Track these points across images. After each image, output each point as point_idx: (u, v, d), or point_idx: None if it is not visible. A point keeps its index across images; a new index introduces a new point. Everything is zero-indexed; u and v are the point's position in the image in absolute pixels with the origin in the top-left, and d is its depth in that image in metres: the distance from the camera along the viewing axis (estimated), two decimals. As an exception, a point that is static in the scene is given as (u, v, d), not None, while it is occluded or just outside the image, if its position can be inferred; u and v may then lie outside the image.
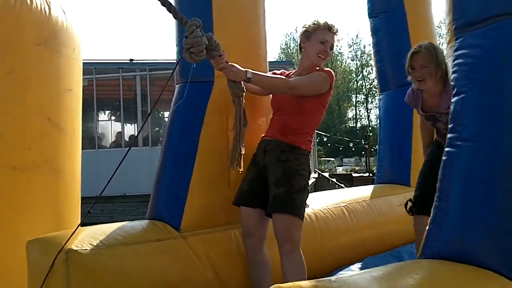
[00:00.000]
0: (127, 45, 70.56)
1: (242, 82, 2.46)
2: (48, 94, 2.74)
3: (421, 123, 3.29)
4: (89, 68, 11.99)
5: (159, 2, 2.22)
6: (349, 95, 47.78)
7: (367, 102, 46.80)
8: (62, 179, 2.84)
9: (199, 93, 2.67)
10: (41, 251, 2.14)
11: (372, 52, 4.81)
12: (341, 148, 35.93)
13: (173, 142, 2.70)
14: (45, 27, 2.66)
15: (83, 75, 3.15)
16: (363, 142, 26.94)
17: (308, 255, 2.52)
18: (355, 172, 25.58)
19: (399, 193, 3.93)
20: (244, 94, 2.48)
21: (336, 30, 2.66)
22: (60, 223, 2.74)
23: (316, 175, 17.57)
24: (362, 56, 46.73)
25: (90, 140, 12.90)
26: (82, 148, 3.16)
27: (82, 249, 2.09)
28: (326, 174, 19.78)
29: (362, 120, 48.46)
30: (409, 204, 3.03)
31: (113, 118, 15.38)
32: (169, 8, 2.27)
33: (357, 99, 48.01)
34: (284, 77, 2.66)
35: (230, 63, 2.41)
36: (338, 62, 46.94)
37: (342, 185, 14.09)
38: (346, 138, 36.02)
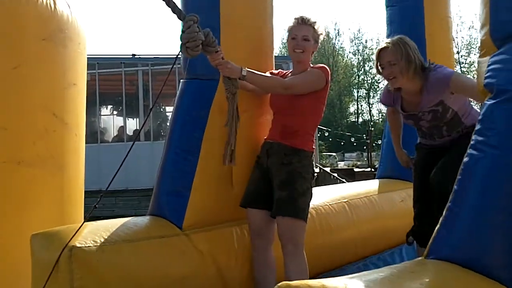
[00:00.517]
0: (130, 40, 70.49)
1: (237, 79, 2.46)
2: (53, 88, 2.75)
3: (389, 114, 3.21)
4: (92, 63, 12.01)
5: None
6: (351, 90, 47.63)
7: (368, 96, 46.69)
8: (67, 173, 2.86)
9: (204, 90, 2.65)
10: (44, 246, 2.15)
11: (373, 46, 4.76)
12: (342, 143, 35.89)
13: (176, 138, 2.67)
14: (50, 21, 2.67)
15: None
16: (365, 137, 26.87)
17: (308, 251, 2.54)
18: (357, 167, 25.54)
19: (401, 189, 3.92)
20: (238, 91, 2.49)
21: (308, 20, 2.61)
22: (64, 217, 2.76)
23: (317, 170, 17.57)
24: (364, 51, 46.59)
25: (93, 134, 12.94)
26: (85, 143, 3.18)
27: (86, 246, 2.10)
28: (328, 169, 19.76)
29: (364, 114, 48.39)
30: (410, 237, 2.99)
31: (115, 112, 15.42)
32: (168, 3, 2.28)
33: (359, 94, 47.90)
34: (279, 78, 2.67)
35: (225, 60, 2.41)
36: (340, 57, 46.85)
37: (344, 180, 14.08)
38: (348, 133, 35.96)
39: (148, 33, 74.54)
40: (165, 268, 2.32)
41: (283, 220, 2.47)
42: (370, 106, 46.99)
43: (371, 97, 46.35)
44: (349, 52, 48.20)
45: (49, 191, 2.73)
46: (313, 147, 2.66)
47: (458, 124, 2.78)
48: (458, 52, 38.65)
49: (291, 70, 2.79)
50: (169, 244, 2.41)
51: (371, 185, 4.06)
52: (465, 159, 1.72)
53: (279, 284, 1.39)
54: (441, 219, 1.74)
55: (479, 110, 2.12)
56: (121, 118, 14.54)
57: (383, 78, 2.76)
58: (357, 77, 47.32)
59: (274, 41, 2.98)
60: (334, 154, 34.69)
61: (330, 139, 35.29)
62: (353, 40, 47.57)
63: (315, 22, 2.63)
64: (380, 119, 41.69)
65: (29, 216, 2.61)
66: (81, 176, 3.09)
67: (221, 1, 2.63)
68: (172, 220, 2.54)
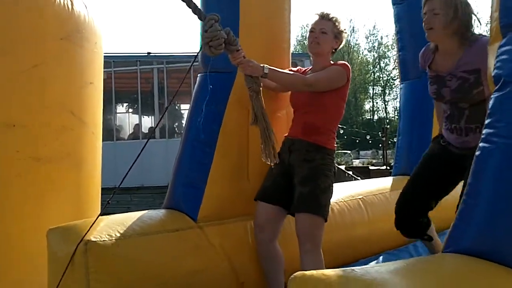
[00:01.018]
0: (145, 38, 70.93)
1: (259, 77, 2.45)
2: (71, 87, 2.79)
3: (436, 107, 2.97)
4: (108, 61, 12.10)
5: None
6: (366, 87, 47.35)
7: (384, 94, 46.37)
8: (84, 171, 2.91)
9: (222, 83, 2.65)
10: (61, 240, 2.18)
11: (389, 43, 4.71)
12: (357, 141, 35.63)
13: (193, 131, 2.67)
14: (68, 22, 2.71)
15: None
16: (380, 134, 26.65)
17: (323, 248, 2.53)
18: (372, 165, 25.31)
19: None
20: (261, 89, 2.49)
21: (328, 15, 2.62)
22: (81, 214, 2.79)
23: (332, 168, 17.42)
24: (379, 48, 46.25)
25: (109, 132, 13.04)
26: (101, 140, 3.23)
27: (101, 240, 2.13)
28: (343, 167, 19.66)
29: (379, 112, 48.10)
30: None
31: (130, 110, 15.53)
32: (189, 3, 2.30)
33: (374, 91, 47.59)
34: (301, 75, 2.66)
35: (247, 58, 2.41)
36: (355, 54, 46.55)
37: (359, 178, 13.98)
38: (363, 131, 35.75)
39: (163, 31, 75.00)
40: (179, 261, 2.34)
41: (303, 216, 2.46)
42: (386, 103, 46.70)
43: (386, 95, 46.08)
44: (364, 48, 48.04)
45: (66, 188, 2.78)
46: (335, 146, 2.65)
47: (481, 115, 2.43)
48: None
49: (310, 67, 2.78)
50: (183, 237, 2.43)
51: (386, 182, 4.04)
52: (477, 152, 1.72)
53: (295, 274, 1.41)
54: (457, 213, 1.73)
55: None
56: (136, 116, 14.62)
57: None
58: (372, 74, 47.03)
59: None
60: (349, 152, 34.45)
61: (345, 137, 35.03)
62: (368, 37, 47.39)
63: (335, 17, 2.63)
64: (396, 117, 41.32)
65: (47, 212, 2.65)
66: (98, 173, 3.13)
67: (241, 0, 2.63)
68: (187, 212, 2.56)
